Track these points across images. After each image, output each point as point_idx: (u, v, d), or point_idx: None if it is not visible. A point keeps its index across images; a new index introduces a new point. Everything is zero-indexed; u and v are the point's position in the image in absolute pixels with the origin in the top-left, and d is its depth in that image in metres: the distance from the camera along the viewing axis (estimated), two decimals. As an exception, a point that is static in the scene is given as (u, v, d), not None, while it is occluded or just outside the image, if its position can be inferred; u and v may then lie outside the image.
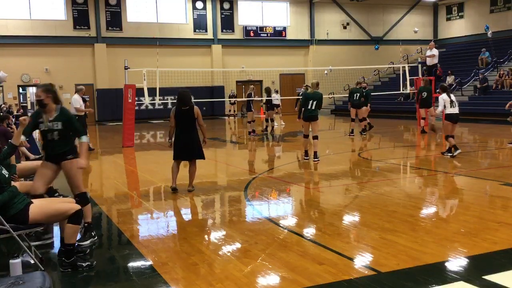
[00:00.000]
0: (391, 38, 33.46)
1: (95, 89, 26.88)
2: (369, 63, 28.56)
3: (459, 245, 4.85)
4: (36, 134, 20.88)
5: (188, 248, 5.03)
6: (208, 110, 28.05)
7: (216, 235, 5.61)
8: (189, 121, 7.62)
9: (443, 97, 10.66)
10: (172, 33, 28.36)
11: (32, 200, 4.52)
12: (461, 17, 33.36)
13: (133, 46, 27.04)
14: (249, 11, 30.48)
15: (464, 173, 8.85)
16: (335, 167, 10.29)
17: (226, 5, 29.71)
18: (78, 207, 4.49)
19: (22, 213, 4.27)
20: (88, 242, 5.24)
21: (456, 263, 4.41)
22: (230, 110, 28.15)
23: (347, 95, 18.06)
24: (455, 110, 10.67)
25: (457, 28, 33.57)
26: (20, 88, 27.88)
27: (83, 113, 13.60)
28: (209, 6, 29.29)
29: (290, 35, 31.19)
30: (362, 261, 4.52)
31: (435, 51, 19.97)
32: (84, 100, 13.56)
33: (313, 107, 10.39)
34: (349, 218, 6.15)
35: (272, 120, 17.90)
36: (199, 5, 29.08)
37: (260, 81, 29.17)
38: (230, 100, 27.61)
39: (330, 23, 32.38)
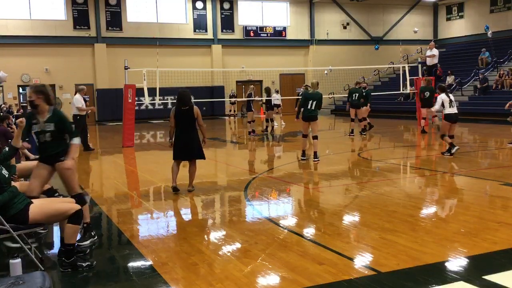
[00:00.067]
0: (391, 38, 33.46)
1: (95, 89, 26.88)
2: (369, 63, 28.55)
3: (459, 245, 4.85)
4: (36, 134, 20.89)
5: (188, 248, 5.03)
6: (208, 110, 28.05)
7: (216, 235, 5.61)
8: (189, 121, 7.61)
9: (442, 97, 10.69)
10: (172, 33, 28.36)
11: (32, 200, 4.52)
12: (461, 17, 33.36)
13: (133, 46, 27.04)
14: (249, 11, 30.48)
15: (464, 173, 8.85)
16: (335, 167, 10.29)
17: (226, 5, 29.71)
18: (78, 207, 4.49)
19: (22, 213, 4.28)
20: (88, 242, 5.24)
21: (456, 263, 4.41)
22: (230, 110, 28.15)
23: (347, 95, 18.06)
24: (454, 110, 10.69)
25: (457, 28, 33.57)
26: (20, 88, 27.85)
27: (84, 113, 13.65)
28: (209, 6, 29.29)
29: (290, 35, 31.19)
30: (362, 261, 4.52)
31: (435, 51, 19.99)
32: (84, 100, 13.60)
33: (313, 107, 10.39)
34: (349, 218, 6.15)
35: (272, 120, 17.90)
36: (199, 5, 29.08)
37: (260, 81, 29.18)
38: (230, 100, 27.61)
39: (330, 23, 32.38)
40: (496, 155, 11.67)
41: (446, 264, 4.38)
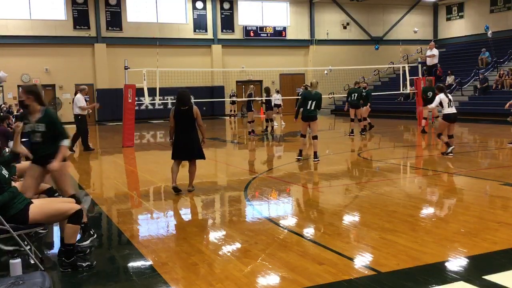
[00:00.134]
0: (391, 38, 33.47)
1: (95, 89, 26.89)
2: (369, 63, 28.56)
3: (459, 245, 4.85)
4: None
5: (188, 248, 5.03)
6: (208, 110, 28.05)
7: (216, 235, 5.61)
8: (189, 121, 7.60)
9: (441, 96, 10.71)
10: (172, 33, 28.37)
11: (32, 200, 4.52)
12: (461, 17, 33.36)
13: (133, 46, 27.05)
14: (249, 11, 30.49)
15: (464, 173, 8.85)
16: (335, 167, 10.29)
17: (226, 5, 29.72)
18: (78, 207, 4.49)
19: (22, 213, 4.27)
20: (88, 242, 5.24)
21: (456, 263, 4.41)
22: (231, 110, 28.16)
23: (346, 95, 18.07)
24: (453, 110, 10.71)
25: (457, 28, 33.57)
26: (20, 88, 27.86)
27: (86, 112, 13.68)
28: (209, 6, 29.30)
29: (290, 35, 31.20)
30: (362, 261, 4.52)
31: (435, 51, 20.00)
32: (84, 100, 13.62)
33: (312, 107, 10.37)
34: (349, 218, 6.15)
35: (272, 120, 17.89)
36: (199, 5, 29.09)
37: (260, 81, 29.18)
38: (230, 100, 27.58)
39: (330, 23, 32.39)
40: (496, 155, 11.67)
41: (446, 264, 4.38)
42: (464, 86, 24.49)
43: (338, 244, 4.97)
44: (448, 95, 10.85)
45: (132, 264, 4.72)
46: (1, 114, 12.76)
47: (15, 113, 19.87)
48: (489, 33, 25.90)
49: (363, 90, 16.73)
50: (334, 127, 21.03)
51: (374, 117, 18.92)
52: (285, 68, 29.24)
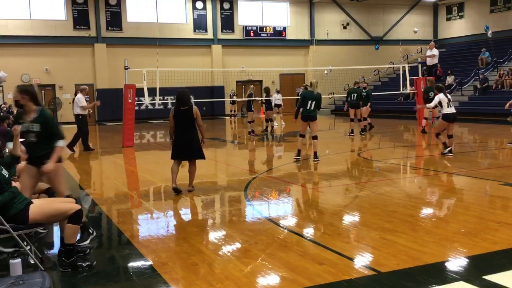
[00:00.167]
0: (391, 38, 33.48)
1: (95, 89, 26.89)
2: (369, 63, 28.56)
3: (459, 245, 4.85)
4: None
5: (188, 248, 5.03)
6: (208, 110, 28.06)
7: (216, 235, 5.61)
8: (188, 121, 7.59)
9: (440, 96, 10.72)
10: (172, 33, 28.37)
11: (32, 200, 4.52)
12: (461, 17, 33.37)
13: (133, 46, 27.05)
14: (249, 11, 30.49)
15: (464, 173, 8.85)
16: (335, 167, 10.29)
17: (226, 5, 29.72)
18: (78, 207, 4.49)
19: (22, 213, 4.27)
20: (87, 242, 5.24)
21: (456, 263, 4.41)
22: (231, 110, 28.15)
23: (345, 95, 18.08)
24: (452, 109, 10.71)
25: (457, 28, 33.58)
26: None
27: (87, 112, 13.69)
28: (209, 6, 29.30)
29: (290, 35, 31.20)
30: (362, 261, 4.52)
31: (435, 51, 19.99)
32: (85, 100, 13.64)
33: (312, 107, 10.37)
34: (349, 218, 6.15)
35: (271, 120, 17.87)
36: (199, 5, 29.09)
37: (260, 81, 29.18)
38: (230, 100, 27.57)
39: (330, 23, 32.39)
40: (496, 155, 11.67)
41: (446, 264, 4.38)
42: (464, 86, 24.49)
43: (338, 244, 4.97)
44: (448, 95, 10.86)
45: (132, 264, 4.72)
46: (1, 114, 12.76)
47: (15, 113, 19.86)
48: (489, 33, 25.90)
49: (363, 90, 16.74)
50: (334, 127, 21.03)
51: (374, 117, 18.92)
52: (285, 68, 29.25)
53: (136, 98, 15.97)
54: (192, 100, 7.94)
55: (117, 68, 24.41)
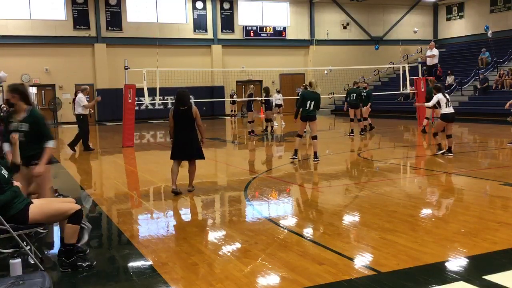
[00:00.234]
0: (391, 38, 33.48)
1: (95, 89, 26.87)
2: (369, 63, 28.57)
3: (459, 245, 4.85)
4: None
5: (188, 248, 5.03)
6: (208, 110, 28.07)
7: (216, 235, 5.61)
8: (188, 121, 7.58)
9: (438, 96, 10.72)
10: (172, 33, 28.37)
11: (32, 200, 4.52)
12: (461, 17, 33.38)
13: (133, 46, 27.06)
14: (249, 11, 30.50)
15: (464, 173, 8.85)
16: (335, 167, 10.29)
17: (226, 5, 29.72)
18: (78, 207, 4.49)
19: (22, 213, 4.27)
20: (86, 238, 5.23)
21: (456, 263, 4.41)
22: (232, 110, 28.15)
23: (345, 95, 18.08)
24: (451, 109, 10.72)
25: (457, 28, 33.58)
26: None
27: (88, 112, 13.70)
28: (209, 6, 29.30)
29: (290, 35, 31.20)
30: (362, 261, 4.52)
31: (435, 51, 20.01)
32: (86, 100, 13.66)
33: (311, 107, 10.36)
34: (349, 218, 6.14)
35: (271, 120, 17.86)
36: (199, 5, 29.09)
37: (260, 81, 29.19)
38: (230, 100, 27.57)
39: (330, 23, 32.40)
40: (496, 155, 11.67)
41: (446, 264, 4.38)
42: (464, 86, 24.49)
43: (338, 244, 4.97)
44: (446, 94, 10.86)
45: (132, 264, 4.72)
46: (1, 114, 12.75)
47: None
48: (489, 33, 25.91)
49: (364, 90, 16.75)
50: (334, 127, 21.03)
51: (374, 117, 18.92)
52: (285, 68, 29.25)
53: (136, 98, 15.97)
54: (192, 100, 7.93)
55: (117, 68, 24.41)
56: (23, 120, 4.97)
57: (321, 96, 10.63)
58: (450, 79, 25.22)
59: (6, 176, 4.37)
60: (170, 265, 4.56)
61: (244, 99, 23.03)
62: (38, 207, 4.36)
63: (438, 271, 4.21)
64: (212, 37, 29.47)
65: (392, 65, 27.44)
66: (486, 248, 4.73)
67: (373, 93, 18.88)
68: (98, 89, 26.79)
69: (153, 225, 6.18)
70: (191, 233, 5.63)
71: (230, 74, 28.88)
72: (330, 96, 25.47)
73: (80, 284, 4.25)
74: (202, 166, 8.65)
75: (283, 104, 20.99)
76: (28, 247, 4.45)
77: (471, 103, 22.69)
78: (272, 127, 17.96)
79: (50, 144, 5.07)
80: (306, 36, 31.86)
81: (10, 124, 5.02)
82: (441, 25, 34.94)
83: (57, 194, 6.54)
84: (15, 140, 4.71)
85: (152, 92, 16.12)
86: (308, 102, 10.33)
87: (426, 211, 6.43)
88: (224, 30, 29.77)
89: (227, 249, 5.03)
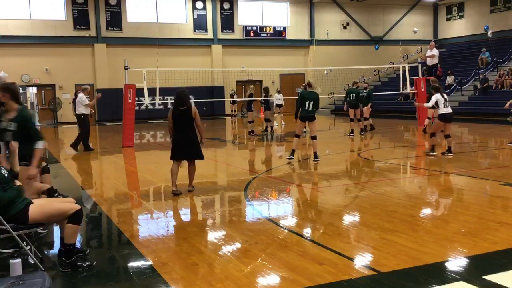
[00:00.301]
0: (391, 38, 33.48)
1: (95, 89, 26.84)
2: (369, 63, 28.57)
3: (459, 245, 4.85)
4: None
5: (188, 248, 5.03)
6: (208, 110, 28.07)
7: (216, 235, 5.61)
8: (187, 121, 7.56)
9: (436, 96, 10.72)
10: (172, 33, 28.37)
11: (32, 200, 4.52)
12: (461, 17, 33.38)
13: (133, 46, 27.06)
14: (249, 11, 30.50)
15: (464, 173, 8.85)
16: (335, 167, 10.29)
17: (226, 5, 29.72)
18: (78, 207, 4.48)
19: (22, 213, 4.27)
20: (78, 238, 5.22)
21: (456, 263, 4.41)
22: (232, 110, 28.14)
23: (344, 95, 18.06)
24: (449, 109, 10.72)
25: (457, 28, 33.58)
26: (20, 88, 27.78)
27: (89, 111, 13.71)
28: (209, 6, 29.30)
29: (290, 35, 31.20)
30: (362, 261, 4.52)
31: (435, 51, 19.98)
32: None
33: (310, 107, 10.35)
34: (349, 218, 6.14)
35: (269, 121, 17.85)
36: (199, 5, 29.09)
37: (260, 81, 29.19)
38: (230, 100, 27.55)
39: (330, 23, 32.40)
40: (496, 155, 11.67)
41: (446, 264, 4.38)
42: (464, 86, 24.50)
43: (338, 244, 4.97)
44: (444, 94, 10.86)
45: (132, 264, 4.72)
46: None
47: None
48: (489, 33, 25.91)
49: (365, 91, 16.74)
50: (334, 127, 21.03)
51: (374, 117, 18.92)
52: (285, 68, 29.25)
53: (136, 98, 15.97)
54: (192, 100, 7.93)
55: (117, 68, 24.40)
56: (12, 119, 4.95)
57: (321, 96, 10.63)
58: (450, 79, 25.22)
59: (6, 175, 4.37)
60: (170, 265, 4.56)
61: (244, 99, 23.02)
62: (38, 207, 4.36)
63: (438, 271, 4.21)
64: (212, 37, 29.47)
65: (392, 65, 27.45)
66: (486, 248, 4.73)
67: (373, 93, 18.89)
68: (98, 89, 26.71)
69: (153, 225, 6.18)
70: (191, 233, 5.63)
71: (230, 74, 28.88)
72: (330, 96, 25.46)
73: (80, 284, 4.25)
74: (202, 166, 8.65)
75: (283, 104, 20.98)
76: (28, 247, 4.45)
77: (471, 103, 22.69)
78: (271, 127, 17.95)
79: (40, 144, 5.03)
80: (306, 36, 31.86)
81: (0, 124, 5.00)
82: (441, 25, 34.94)
83: (57, 194, 6.54)
84: (14, 148, 4.68)
85: (152, 92, 16.11)
86: (307, 102, 10.32)
87: (426, 211, 6.43)
88: (224, 30, 29.77)
89: (227, 249, 5.03)
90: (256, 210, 6.71)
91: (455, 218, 5.94)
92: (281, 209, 6.90)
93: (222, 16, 29.71)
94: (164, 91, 18.45)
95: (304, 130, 12.04)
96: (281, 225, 5.85)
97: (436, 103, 10.69)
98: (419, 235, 5.19)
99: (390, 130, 18.08)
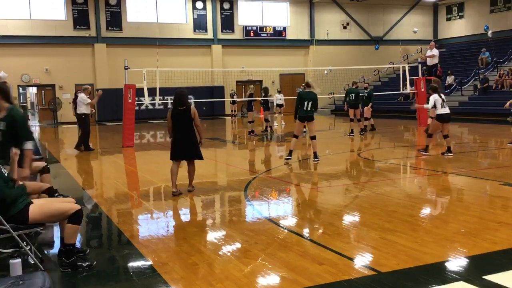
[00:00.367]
0: (391, 38, 33.48)
1: (95, 89, 26.85)
2: (369, 63, 28.56)
3: (459, 245, 4.85)
4: (36, 134, 20.86)
5: (188, 248, 5.03)
6: (208, 110, 28.06)
7: (216, 235, 5.61)
8: (186, 121, 7.55)
9: (434, 97, 10.73)
10: (172, 33, 28.37)
11: (32, 200, 4.52)
12: (461, 17, 33.37)
13: (133, 46, 27.05)
14: (249, 11, 30.50)
15: (464, 173, 8.85)
16: (334, 167, 10.29)
17: (226, 5, 29.72)
18: (78, 207, 4.48)
19: (22, 213, 4.27)
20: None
21: (456, 263, 4.41)
22: (232, 110, 28.14)
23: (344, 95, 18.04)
24: (446, 110, 10.73)
25: (457, 28, 33.58)
26: (20, 88, 27.91)
27: (90, 111, 13.72)
28: (209, 6, 29.30)
29: (290, 35, 31.20)
30: (362, 261, 4.52)
31: (435, 51, 19.97)
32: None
33: (309, 108, 10.35)
34: (349, 218, 6.15)
35: (268, 121, 17.83)
36: (199, 5, 29.09)
37: (260, 81, 29.18)
38: (230, 100, 27.54)
39: (330, 23, 32.39)
40: (496, 155, 11.67)
41: (446, 264, 4.38)
42: (464, 86, 24.49)
43: (338, 244, 4.97)
44: (442, 95, 10.87)
45: (132, 264, 4.72)
46: None
47: None
48: (489, 33, 25.91)
49: (365, 91, 16.74)
50: (334, 127, 21.02)
51: (374, 117, 18.89)
52: (285, 68, 29.25)
53: (136, 98, 15.96)
54: (192, 100, 7.92)
55: (117, 68, 24.40)
56: (2, 119, 4.94)
57: (321, 96, 10.62)
58: (450, 79, 25.21)
59: (6, 175, 4.37)
60: (170, 265, 4.56)
61: (244, 99, 23.01)
62: (38, 207, 4.36)
63: (438, 271, 4.21)
64: (212, 37, 29.47)
65: (392, 65, 27.44)
66: (486, 248, 4.73)
67: (373, 93, 18.88)
68: (98, 89, 26.78)
69: (153, 225, 6.18)
70: (191, 233, 5.63)
71: (230, 74, 28.88)
72: (330, 96, 25.46)
73: (80, 284, 4.25)
74: (202, 166, 8.65)
75: (284, 104, 20.97)
76: (28, 247, 4.45)
77: (471, 103, 22.69)
78: (271, 127, 17.94)
79: (29, 145, 4.97)
80: (306, 36, 31.86)
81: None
82: (441, 25, 34.94)
83: (57, 194, 6.53)
84: (12, 154, 4.63)
85: (152, 92, 16.11)
86: (306, 103, 10.31)
87: (426, 211, 6.43)
88: (224, 30, 29.76)
89: (227, 249, 5.03)
90: (256, 210, 6.71)
91: (455, 218, 5.94)
92: (281, 209, 6.90)
93: (222, 16, 29.71)
94: (164, 91, 18.43)
95: (304, 130, 12.03)
96: (281, 225, 5.85)
97: (434, 103, 10.70)
98: (419, 235, 5.19)
99: (390, 130, 18.08)
